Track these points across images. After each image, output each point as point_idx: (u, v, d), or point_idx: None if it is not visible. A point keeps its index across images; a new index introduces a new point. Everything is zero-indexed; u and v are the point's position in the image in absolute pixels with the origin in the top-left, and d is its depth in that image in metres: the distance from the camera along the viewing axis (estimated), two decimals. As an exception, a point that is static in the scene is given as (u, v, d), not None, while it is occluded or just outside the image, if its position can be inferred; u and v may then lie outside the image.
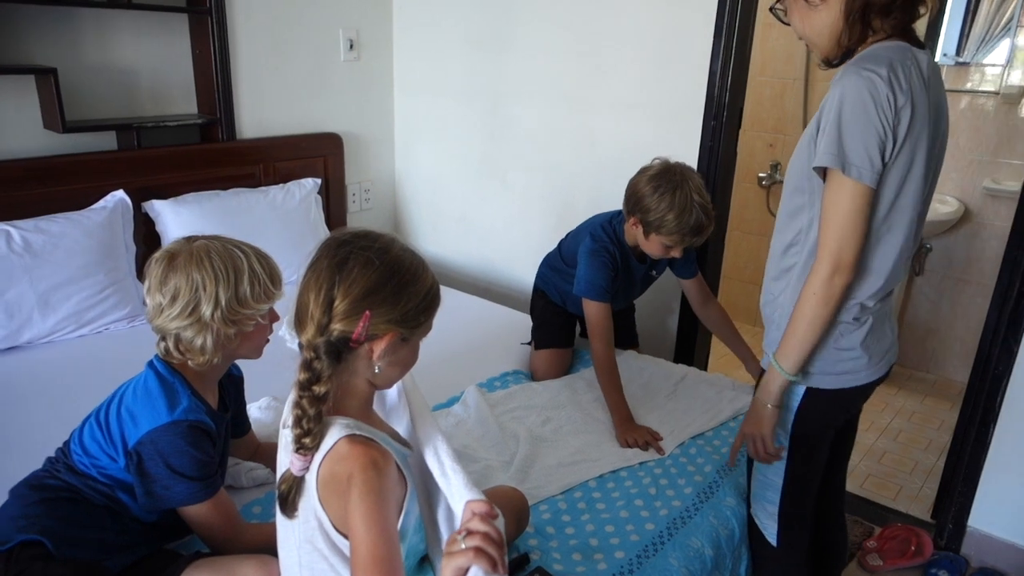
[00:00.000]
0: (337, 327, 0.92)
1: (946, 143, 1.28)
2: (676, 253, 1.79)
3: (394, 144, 3.11)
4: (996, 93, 2.94)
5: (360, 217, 3.05)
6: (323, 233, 2.62)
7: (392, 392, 1.14)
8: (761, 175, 3.55)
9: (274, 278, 1.20)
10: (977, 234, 3.10)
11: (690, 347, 2.45)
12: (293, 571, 0.99)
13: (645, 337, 2.37)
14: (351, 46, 2.81)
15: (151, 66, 2.36)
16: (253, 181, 2.57)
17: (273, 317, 1.23)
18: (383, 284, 0.93)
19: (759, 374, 1.42)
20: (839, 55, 1.23)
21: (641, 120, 2.36)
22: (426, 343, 1.04)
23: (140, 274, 2.15)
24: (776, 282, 1.35)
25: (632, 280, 1.96)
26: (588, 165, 2.53)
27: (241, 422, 1.40)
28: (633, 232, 1.82)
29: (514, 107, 2.67)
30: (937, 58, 3.03)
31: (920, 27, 3.07)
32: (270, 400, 1.68)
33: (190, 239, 1.19)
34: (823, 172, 1.19)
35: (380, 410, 1.14)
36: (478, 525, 0.87)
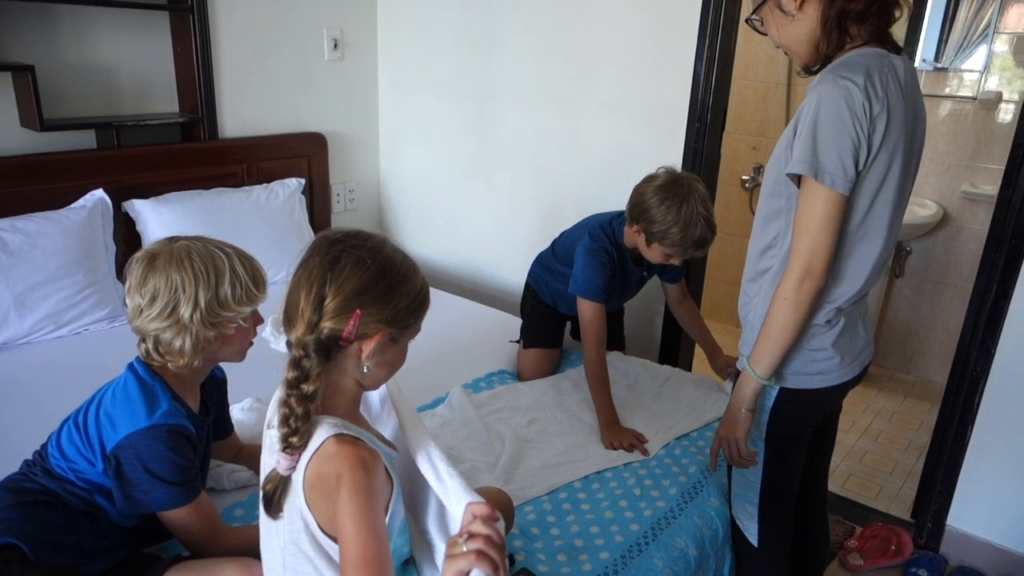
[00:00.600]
0: (327, 325, 0.91)
1: (923, 148, 1.29)
2: (676, 262, 1.80)
3: (379, 144, 3.10)
4: (974, 98, 2.98)
5: (345, 217, 3.03)
6: (307, 233, 2.61)
7: (375, 400, 1.13)
8: (744, 177, 3.58)
9: (257, 281, 1.18)
10: (955, 237, 3.15)
11: (675, 348, 2.46)
12: (277, 573, 0.97)
13: (631, 338, 2.37)
14: (335, 45, 2.80)
15: (132, 64, 2.33)
16: (236, 181, 2.54)
17: (257, 320, 1.21)
18: (375, 283, 0.93)
19: (734, 376, 1.43)
20: (818, 62, 1.24)
21: (627, 122, 2.37)
22: (412, 344, 1.04)
23: (120, 274, 2.13)
24: (751, 284, 1.36)
25: (627, 283, 1.97)
26: (575, 166, 2.54)
27: (224, 424, 1.39)
28: (634, 238, 1.81)
29: (501, 107, 2.67)
30: (916, 64, 3.07)
31: (899, 33, 3.11)
32: (253, 401, 1.66)
33: (172, 239, 1.17)
34: (798, 179, 1.20)
35: (365, 414, 1.14)
36: (480, 528, 0.86)
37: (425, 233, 3.08)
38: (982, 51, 2.94)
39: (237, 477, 1.44)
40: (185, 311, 1.11)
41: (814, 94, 1.16)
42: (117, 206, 2.23)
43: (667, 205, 1.69)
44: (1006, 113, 2.93)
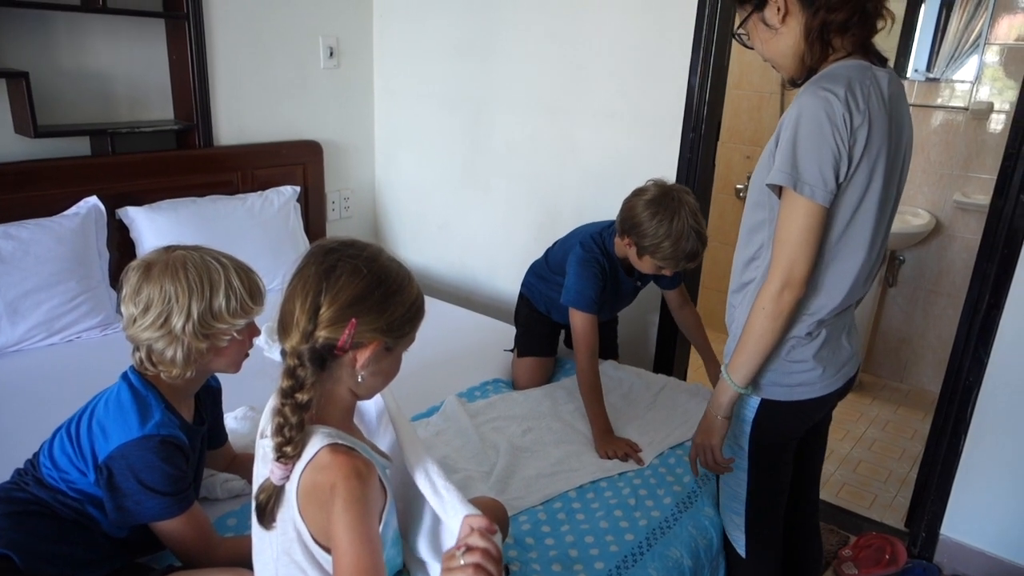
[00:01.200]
0: (322, 334, 0.91)
1: (909, 161, 1.30)
2: (668, 273, 1.81)
3: (374, 152, 3.10)
4: (965, 109, 3.01)
5: (340, 225, 3.03)
6: (302, 241, 2.61)
7: (372, 415, 1.13)
8: (739, 186, 3.59)
9: (254, 294, 1.18)
10: (948, 246, 3.17)
11: (669, 357, 2.46)
12: (269, 584, 0.97)
13: (625, 347, 2.38)
14: (331, 53, 2.80)
15: (127, 71, 2.33)
16: (231, 188, 2.54)
17: (252, 332, 1.21)
18: (370, 292, 0.93)
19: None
20: (803, 74, 1.25)
21: (622, 131, 2.38)
22: (407, 352, 1.03)
23: (113, 282, 2.12)
24: (735, 295, 1.36)
25: (620, 292, 1.97)
26: (570, 174, 2.55)
27: (218, 433, 1.38)
28: (625, 249, 1.82)
29: (496, 116, 2.68)
30: (908, 74, 3.10)
31: (891, 43, 3.11)
32: (247, 410, 1.66)
33: (169, 249, 1.16)
34: (779, 190, 1.21)
35: (360, 425, 1.13)
36: (477, 541, 0.86)
37: (420, 241, 3.08)
38: (973, 62, 2.97)
39: (230, 486, 1.43)
40: (177, 322, 1.10)
41: (795, 106, 1.17)
42: (111, 213, 2.22)
43: (658, 219, 1.70)
44: (997, 123, 2.96)
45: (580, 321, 1.84)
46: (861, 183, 1.18)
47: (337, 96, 2.88)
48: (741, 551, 1.46)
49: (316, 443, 0.91)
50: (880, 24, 1.21)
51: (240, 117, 2.59)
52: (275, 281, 2.28)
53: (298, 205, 2.66)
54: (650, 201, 1.73)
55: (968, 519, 2.08)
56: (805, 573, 1.64)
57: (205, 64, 2.41)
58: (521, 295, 2.17)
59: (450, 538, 0.96)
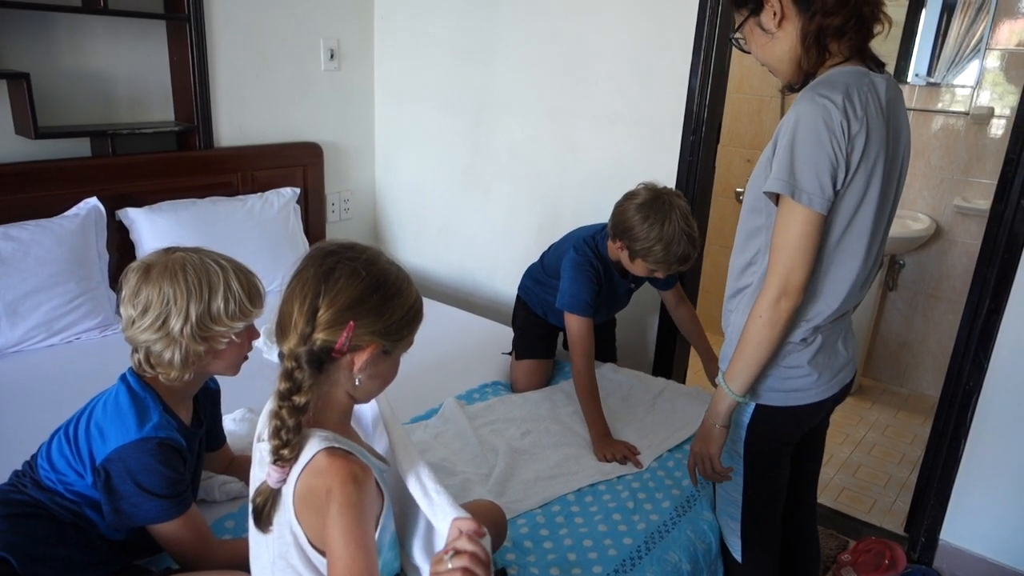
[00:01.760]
0: (320, 336, 0.91)
1: (907, 167, 1.29)
2: (660, 275, 1.82)
3: (374, 154, 3.10)
4: (966, 113, 3.00)
5: (339, 227, 3.03)
6: (301, 243, 2.61)
7: (368, 420, 1.13)
8: (739, 190, 3.58)
9: (253, 296, 1.17)
10: (948, 251, 3.17)
11: (668, 360, 2.46)
12: (266, 588, 0.97)
13: (624, 350, 2.37)
14: (332, 56, 2.80)
15: (127, 72, 2.33)
16: (231, 190, 2.54)
17: (252, 335, 1.20)
18: (369, 295, 0.93)
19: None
20: (800, 79, 1.24)
21: (622, 134, 2.38)
22: (405, 354, 1.03)
23: (113, 283, 2.12)
24: (731, 299, 1.36)
25: (615, 295, 1.97)
26: (571, 177, 2.55)
27: (216, 436, 1.38)
28: (618, 253, 1.82)
29: (496, 118, 2.68)
30: (909, 79, 3.10)
31: (892, 48, 3.11)
32: (245, 412, 1.66)
33: (169, 251, 1.16)
34: (776, 196, 1.20)
35: (357, 428, 1.13)
36: (465, 545, 0.86)
37: (420, 243, 3.07)
38: (974, 67, 2.97)
39: (228, 489, 1.43)
40: (175, 324, 1.10)
41: (792, 112, 1.17)
42: (111, 214, 2.22)
43: (649, 223, 1.70)
44: (998, 128, 2.95)
45: (576, 325, 1.84)
46: (858, 190, 1.18)
47: (338, 98, 2.89)
48: (738, 556, 1.46)
49: (313, 446, 0.91)
50: (877, 28, 1.21)
51: (240, 119, 2.59)
52: (275, 283, 2.28)
53: (298, 207, 2.66)
54: (641, 205, 1.73)
55: (968, 524, 2.07)
56: (803, 578, 1.64)
57: (206, 66, 2.41)
58: (518, 298, 2.17)
59: (441, 542, 0.96)
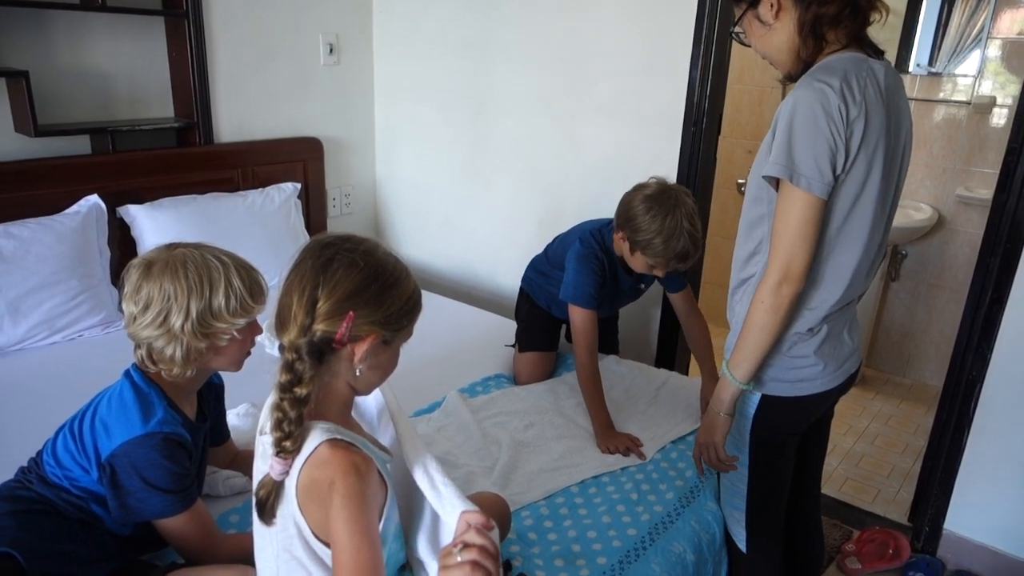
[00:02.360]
0: (320, 327, 0.91)
1: (909, 153, 1.29)
2: (659, 273, 1.80)
3: (375, 149, 3.10)
4: (968, 103, 2.99)
5: (340, 222, 3.02)
6: (303, 238, 2.61)
7: (372, 412, 1.13)
8: (740, 181, 3.57)
9: (255, 292, 1.17)
10: (950, 241, 3.16)
11: (671, 352, 2.46)
12: (271, 581, 0.97)
13: (626, 342, 2.37)
14: (331, 50, 2.80)
15: (127, 69, 2.32)
16: (231, 186, 2.54)
17: (254, 331, 1.20)
18: (367, 286, 0.93)
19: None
20: (799, 69, 1.24)
21: (623, 126, 2.38)
22: (407, 348, 1.03)
23: (115, 280, 2.12)
24: (736, 291, 1.36)
25: (619, 290, 1.96)
26: (571, 170, 2.54)
27: (220, 430, 1.38)
28: (620, 245, 1.82)
29: (496, 112, 2.67)
30: (910, 69, 3.09)
31: (894, 38, 3.09)
32: (248, 407, 1.66)
33: (171, 247, 1.16)
34: (776, 184, 1.20)
35: (361, 420, 1.13)
36: (474, 538, 0.85)
37: (421, 237, 3.07)
38: (976, 56, 2.95)
39: (232, 483, 1.43)
40: (176, 321, 1.10)
41: (790, 97, 1.17)
42: (112, 211, 2.22)
43: (652, 215, 1.69)
44: (1000, 117, 2.94)
45: (579, 317, 1.84)
46: (859, 176, 1.18)
47: (337, 93, 2.88)
48: (742, 546, 1.46)
49: (315, 438, 0.91)
50: (874, 16, 1.21)
51: (240, 114, 2.58)
52: (276, 278, 2.27)
53: (299, 202, 2.66)
54: (648, 196, 1.72)
55: (972, 513, 2.07)
56: (807, 568, 1.64)
57: (205, 62, 2.41)
58: (521, 290, 2.17)
59: (448, 535, 0.96)
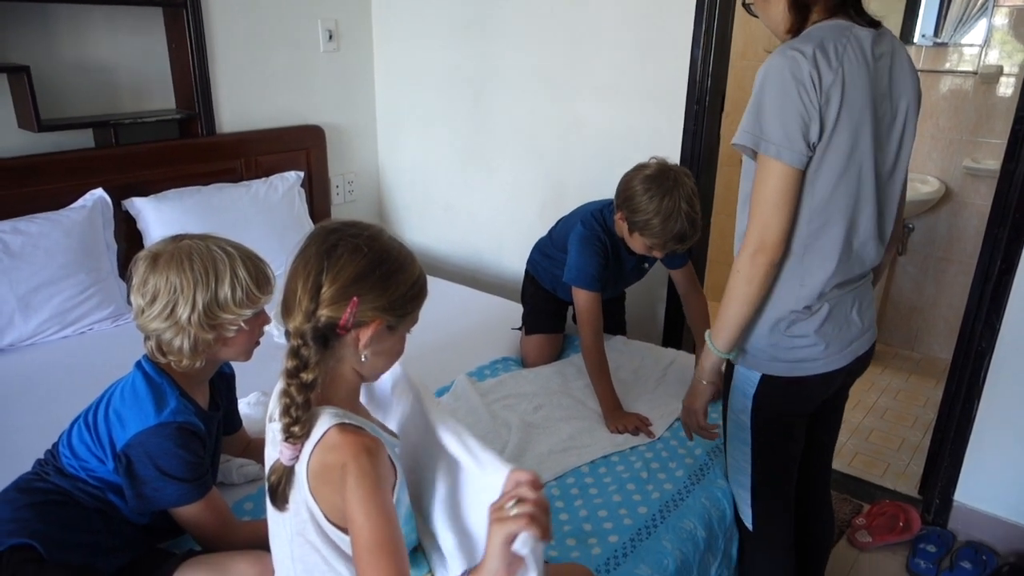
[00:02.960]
0: (324, 313, 0.91)
1: (913, 123, 1.26)
2: (657, 254, 1.79)
3: (377, 135, 3.09)
4: (974, 73, 2.96)
5: (344, 209, 3.03)
6: (307, 226, 2.61)
7: (386, 387, 1.14)
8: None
9: (261, 283, 1.17)
10: (958, 213, 3.14)
11: (678, 331, 2.46)
12: (286, 565, 0.98)
13: (633, 323, 2.37)
14: (330, 36, 2.78)
15: (128, 62, 2.32)
16: (235, 176, 2.54)
17: (263, 321, 1.21)
18: (371, 271, 0.93)
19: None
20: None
21: (625, 105, 2.36)
22: (415, 333, 1.04)
23: (123, 272, 2.13)
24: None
25: (622, 271, 1.96)
26: (574, 151, 2.53)
27: (232, 419, 1.40)
28: (620, 226, 1.81)
29: (498, 94, 2.66)
30: (915, 39, 3.05)
31: (898, 8, 3.04)
32: (259, 395, 1.67)
33: (177, 238, 1.17)
34: (755, 154, 1.19)
35: (369, 404, 1.14)
36: (528, 492, 0.86)
37: (425, 222, 3.07)
38: (982, 25, 2.91)
39: (246, 471, 1.45)
40: (183, 312, 1.11)
41: (763, 67, 1.16)
42: (117, 204, 2.23)
43: (650, 195, 1.68)
44: (1007, 87, 2.91)
45: (583, 299, 1.84)
46: (843, 146, 1.15)
47: (338, 79, 2.87)
48: (749, 525, 1.47)
49: (324, 423, 0.91)
50: None
51: (241, 104, 2.58)
52: (282, 267, 2.27)
53: (302, 190, 2.66)
54: (647, 177, 1.72)
55: (982, 485, 2.08)
56: (817, 546, 1.64)
57: (204, 52, 2.40)
58: (527, 273, 2.17)
59: (470, 503, 0.97)
